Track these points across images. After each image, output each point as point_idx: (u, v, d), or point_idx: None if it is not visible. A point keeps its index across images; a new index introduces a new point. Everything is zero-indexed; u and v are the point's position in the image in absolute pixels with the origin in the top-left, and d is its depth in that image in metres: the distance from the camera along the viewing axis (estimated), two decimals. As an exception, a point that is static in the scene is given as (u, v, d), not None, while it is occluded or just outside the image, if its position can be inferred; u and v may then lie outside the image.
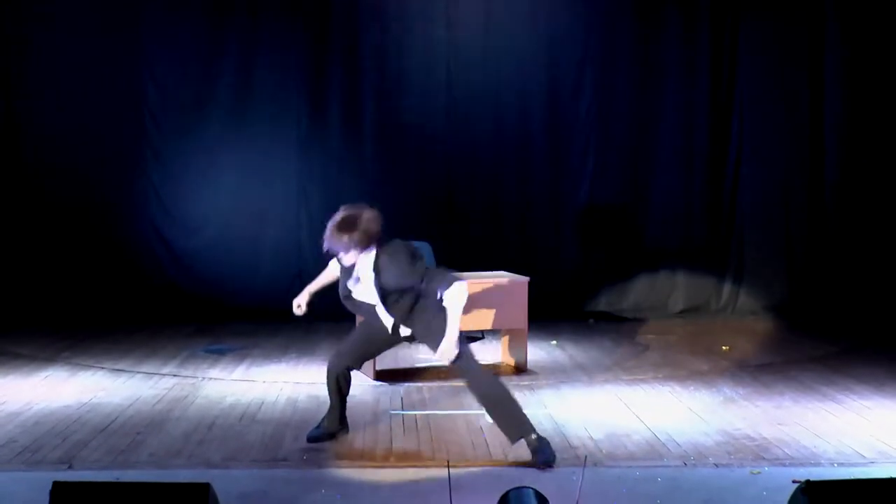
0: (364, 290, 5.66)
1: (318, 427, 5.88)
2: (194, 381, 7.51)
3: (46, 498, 3.53)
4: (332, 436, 5.85)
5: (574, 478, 5.15)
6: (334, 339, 9.12)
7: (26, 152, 10.28)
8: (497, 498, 3.83)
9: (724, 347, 8.94)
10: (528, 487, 3.88)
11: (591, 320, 10.44)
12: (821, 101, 10.68)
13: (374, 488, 5.07)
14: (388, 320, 5.72)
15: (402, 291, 5.56)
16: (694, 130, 10.85)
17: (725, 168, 10.83)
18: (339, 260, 5.72)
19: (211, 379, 7.57)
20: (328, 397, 5.87)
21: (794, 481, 4.86)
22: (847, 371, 7.84)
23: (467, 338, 8.66)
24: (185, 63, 10.49)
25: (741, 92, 10.75)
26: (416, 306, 5.60)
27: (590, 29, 10.74)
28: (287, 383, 7.44)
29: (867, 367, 8.01)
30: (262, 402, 6.81)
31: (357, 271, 5.63)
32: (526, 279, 7.85)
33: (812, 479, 3.76)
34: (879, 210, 10.55)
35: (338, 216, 5.53)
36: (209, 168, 10.48)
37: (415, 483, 5.16)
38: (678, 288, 10.89)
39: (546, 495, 3.82)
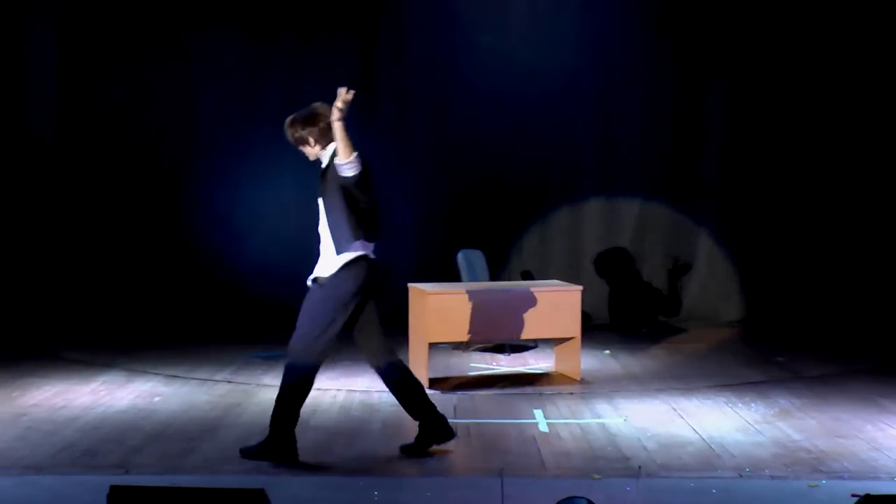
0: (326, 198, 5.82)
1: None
2: (248, 387, 7.57)
3: (104, 501, 3.57)
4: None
5: (628, 488, 5.12)
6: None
7: (80, 164, 10.45)
8: (550, 508, 3.82)
9: (778, 358, 8.83)
10: (582, 497, 3.85)
11: (644, 329, 10.37)
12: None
13: (427, 497, 5.06)
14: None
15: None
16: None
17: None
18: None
19: (264, 385, 7.61)
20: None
21: (852, 495, 4.78)
22: (905, 382, 7.72)
23: (511, 347, 8.69)
24: (235, 76, 10.63)
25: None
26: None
27: (637, 31, 10.70)
28: (340, 391, 7.47)
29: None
30: (315, 410, 6.83)
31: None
32: (579, 288, 7.82)
33: (871, 493, 3.70)
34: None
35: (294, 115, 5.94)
36: (260, 177, 10.55)
37: (467, 492, 5.16)
38: (737, 297, 10.76)
39: (599, 506, 3.80)
